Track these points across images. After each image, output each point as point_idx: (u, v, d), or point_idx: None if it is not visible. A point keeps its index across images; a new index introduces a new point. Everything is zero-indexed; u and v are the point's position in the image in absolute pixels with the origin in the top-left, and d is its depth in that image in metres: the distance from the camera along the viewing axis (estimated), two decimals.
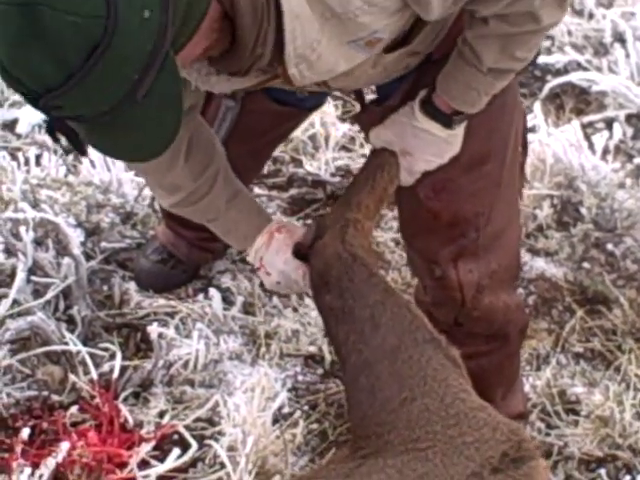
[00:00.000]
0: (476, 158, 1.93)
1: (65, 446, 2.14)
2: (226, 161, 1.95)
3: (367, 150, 2.72)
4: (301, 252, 1.90)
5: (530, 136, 2.95)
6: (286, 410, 2.42)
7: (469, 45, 1.75)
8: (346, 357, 1.77)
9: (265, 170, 2.92)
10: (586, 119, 3.19)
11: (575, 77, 3.30)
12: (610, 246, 2.83)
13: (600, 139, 2.99)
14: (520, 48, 1.74)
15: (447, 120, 1.83)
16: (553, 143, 2.95)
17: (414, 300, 2.23)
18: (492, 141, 1.94)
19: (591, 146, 2.98)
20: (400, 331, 1.75)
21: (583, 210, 2.88)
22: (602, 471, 2.33)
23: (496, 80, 1.79)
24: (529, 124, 2.97)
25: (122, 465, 2.22)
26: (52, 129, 1.42)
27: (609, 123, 3.15)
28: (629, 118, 3.21)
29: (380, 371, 1.73)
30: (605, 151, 2.98)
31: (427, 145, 1.86)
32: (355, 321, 1.76)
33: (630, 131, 3.18)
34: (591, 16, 3.53)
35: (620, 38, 3.38)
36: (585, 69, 3.34)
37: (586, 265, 2.80)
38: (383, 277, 1.89)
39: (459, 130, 1.86)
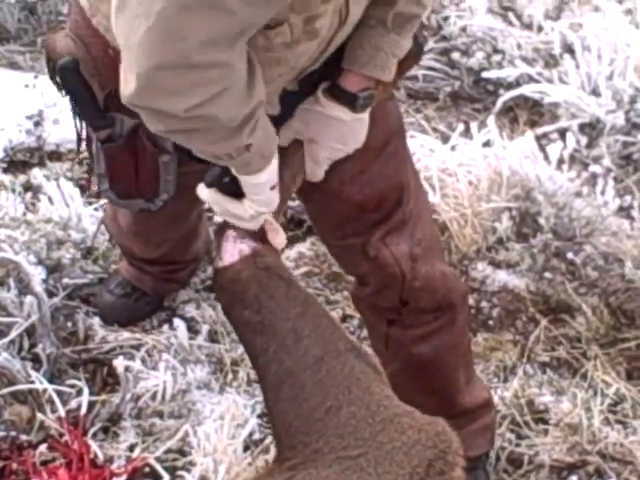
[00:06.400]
0: (380, 143, 1.99)
1: None
2: None
3: None
4: None
5: (485, 150, 3.01)
6: (257, 436, 2.42)
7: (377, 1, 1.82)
8: (266, 367, 1.76)
9: None
10: (540, 130, 3.22)
11: (527, 90, 3.34)
12: (570, 255, 2.86)
13: (555, 149, 3.01)
14: None
15: (352, 100, 1.87)
16: (509, 156, 2.98)
17: (352, 299, 2.25)
18: (389, 124, 2.02)
19: (546, 157, 3.00)
20: (322, 342, 1.75)
21: (542, 220, 2.90)
22: (574, 478, 2.34)
23: (399, 36, 1.85)
24: (484, 139, 3.04)
25: None
26: None
27: (563, 133, 3.18)
28: (582, 127, 3.24)
29: (304, 381, 1.73)
30: (560, 161, 3.01)
31: (331, 131, 1.89)
32: (275, 333, 1.75)
33: (584, 140, 3.21)
34: (540, 29, 3.57)
35: (569, 49, 3.41)
36: (536, 81, 3.37)
37: (548, 275, 2.82)
38: (299, 285, 1.87)
39: (363, 116, 1.90)
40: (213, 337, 2.63)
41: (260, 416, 2.46)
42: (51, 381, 2.45)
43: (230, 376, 2.54)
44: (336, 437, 1.68)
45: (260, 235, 1.85)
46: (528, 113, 3.35)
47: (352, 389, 1.72)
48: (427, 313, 2.14)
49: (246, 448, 2.36)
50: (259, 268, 1.80)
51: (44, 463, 2.30)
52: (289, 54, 1.74)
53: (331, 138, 1.90)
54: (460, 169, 2.96)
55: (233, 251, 1.82)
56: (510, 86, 3.38)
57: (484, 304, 2.75)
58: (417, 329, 2.13)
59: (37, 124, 3.17)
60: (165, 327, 2.63)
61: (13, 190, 2.95)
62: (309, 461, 1.68)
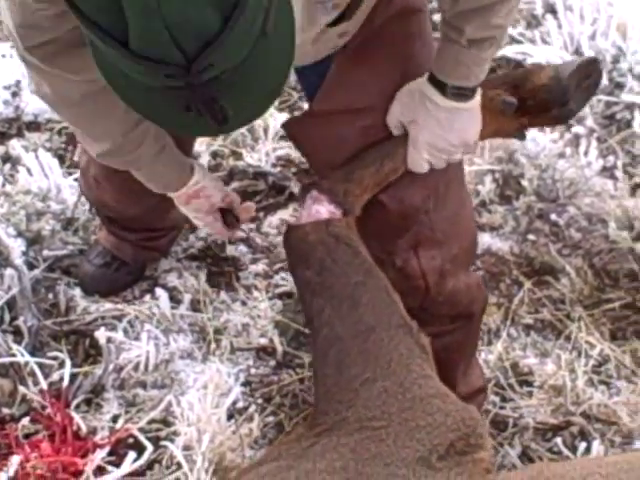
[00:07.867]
0: None
1: (16, 459, 2.11)
2: None
3: None
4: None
5: None
6: (240, 405, 2.41)
7: (448, 24, 1.85)
8: (318, 329, 1.79)
9: (205, 164, 2.90)
10: None
11: (509, 51, 3.31)
12: (554, 216, 2.85)
13: None
14: (496, 16, 1.81)
15: (442, 86, 1.89)
16: None
17: None
18: None
19: None
20: (377, 313, 1.78)
21: (525, 182, 2.89)
22: (558, 440, 2.34)
23: (479, 51, 1.86)
24: None
25: (78, 473, 2.20)
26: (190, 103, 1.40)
27: None
28: None
29: (350, 348, 1.76)
30: None
31: (430, 114, 1.91)
32: (334, 297, 1.79)
33: None
34: None
35: (551, 9, 3.39)
36: (519, 42, 3.35)
37: (531, 237, 2.81)
38: (366, 256, 1.88)
39: (460, 105, 1.90)
40: (195, 306, 2.61)
41: (244, 384, 2.45)
42: (32, 354, 2.44)
43: (213, 345, 2.53)
44: (364, 408, 1.72)
45: (339, 200, 1.89)
46: None
47: (391, 363, 1.75)
48: (445, 318, 2.13)
49: (230, 417, 2.35)
50: (329, 234, 1.82)
51: (27, 436, 2.29)
52: None
53: (430, 121, 1.91)
54: None
55: (310, 211, 1.88)
56: None
57: None
58: (432, 327, 2.06)
59: (15, 94, 3.14)
60: (147, 297, 2.61)
61: None
62: (335, 429, 1.72)
